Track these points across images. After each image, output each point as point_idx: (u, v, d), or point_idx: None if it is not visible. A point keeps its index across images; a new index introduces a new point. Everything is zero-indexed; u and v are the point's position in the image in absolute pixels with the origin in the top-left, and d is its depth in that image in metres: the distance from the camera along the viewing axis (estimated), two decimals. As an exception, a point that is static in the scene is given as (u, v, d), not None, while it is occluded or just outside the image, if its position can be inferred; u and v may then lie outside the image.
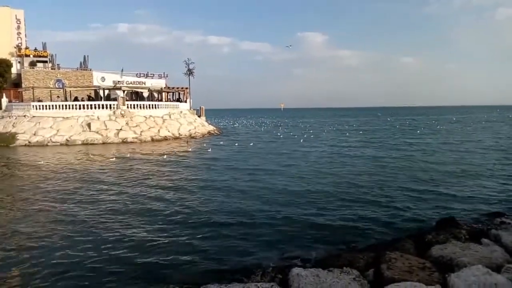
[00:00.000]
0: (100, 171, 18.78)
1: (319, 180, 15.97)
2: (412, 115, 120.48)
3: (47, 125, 32.13)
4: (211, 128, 45.33)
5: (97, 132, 32.28)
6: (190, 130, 39.01)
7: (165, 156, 23.64)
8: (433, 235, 8.11)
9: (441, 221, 9.60)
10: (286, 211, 11.35)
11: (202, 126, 42.92)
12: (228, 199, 12.98)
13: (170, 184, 15.51)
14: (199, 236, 9.33)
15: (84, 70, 46.93)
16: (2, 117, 35.79)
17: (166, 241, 9.02)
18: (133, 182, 15.92)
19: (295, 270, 6.27)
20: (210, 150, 27.24)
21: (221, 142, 33.15)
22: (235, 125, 66.04)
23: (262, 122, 77.74)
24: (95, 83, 44.94)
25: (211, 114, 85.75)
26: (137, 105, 37.01)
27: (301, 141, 34.92)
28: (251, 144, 31.98)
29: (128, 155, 24.24)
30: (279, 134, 43.64)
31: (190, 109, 46.59)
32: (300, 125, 63.81)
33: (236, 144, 31.84)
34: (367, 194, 13.37)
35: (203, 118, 47.78)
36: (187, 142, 33.52)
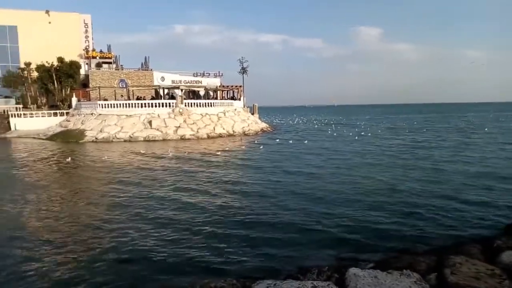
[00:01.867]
0: (159, 165, 19.73)
1: (376, 180, 15.50)
2: (475, 111, 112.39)
3: (112, 122, 34.33)
4: (264, 125, 45.71)
5: (157, 129, 33.93)
6: (243, 127, 39.64)
7: (219, 153, 24.27)
8: (503, 241, 7.60)
9: (511, 226, 8.95)
10: (341, 211, 11.20)
11: (255, 123, 43.41)
12: (282, 197, 13.06)
13: (224, 181, 15.88)
14: (254, 232, 9.52)
15: (145, 70, 49.44)
16: (73, 115, 38.86)
17: (222, 236, 9.32)
18: (188, 178, 16.51)
19: (352, 270, 6.20)
20: (262, 147, 27.47)
21: (277, 140, 33.27)
22: (287, 123, 65.91)
23: (314, 119, 76.80)
24: (155, 82, 47.15)
25: (264, 112, 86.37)
26: (194, 103, 38.31)
27: (356, 138, 34.09)
28: (306, 141, 31.83)
29: (185, 152, 25.21)
30: (332, 131, 42.88)
31: (244, 107, 47.33)
32: (354, 122, 62.20)
33: (291, 141, 31.87)
34: (427, 196, 12.78)
35: (256, 115, 48.28)
36: (241, 139, 34.11)
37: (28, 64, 45.28)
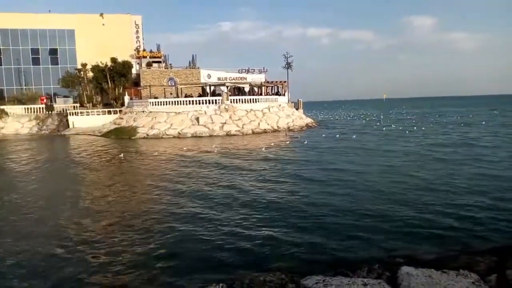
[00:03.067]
0: (206, 161, 20.22)
1: (430, 177, 14.85)
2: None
3: (162, 119, 35.66)
4: (309, 120, 45.29)
5: (204, 126, 34.78)
6: (288, 123, 39.54)
7: (264, 148, 24.43)
8: None
9: None
10: (393, 208, 10.89)
11: (300, 118, 43.13)
12: (329, 192, 12.93)
13: (270, 176, 15.98)
14: (303, 228, 9.52)
15: (192, 68, 50.75)
16: (125, 113, 40.82)
17: (270, 231, 9.40)
18: (235, 173, 16.77)
19: (405, 269, 6.04)
20: (306, 142, 27.41)
21: (323, 135, 32.92)
22: (333, 118, 64.80)
23: (362, 114, 74.78)
24: (202, 80, 48.25)
25: (309, 107, 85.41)
26: (239, 99, 38.79)
27: (406, 133, 32.84)
28: (354, 136, 31.20)
29: (230, 148, 25.65)
30: (381, 126, 41.57)
31: (288, 102, 47.13)
32: (405, 117, 59.83)
33: (337, 136, 31.44)
34: (486, 194, 12.07)
35: (301, 110, 47.92)
36: (286, 134, 34.07)
37: (84, 65, 48.06)
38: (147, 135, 34.31)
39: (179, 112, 36.20)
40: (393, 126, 41.61)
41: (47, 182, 17.03)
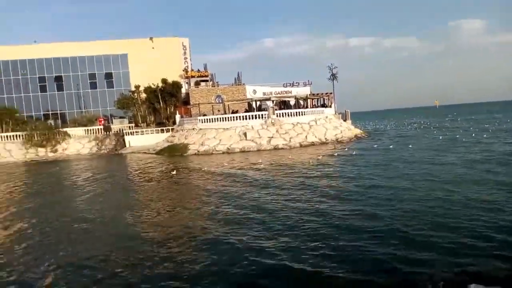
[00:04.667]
0: (254, 175, 20.45)
1: (497, 190, 14.01)
2: None
3: (211, 136, 36.69)
4: (357, 131, 44.43)
5: (252, 140, 35.30)
6: (336, 134, 39.06)
7: (310, 161, 24.28)
8: None
9: None
10: (457, 221, 10.41)
11: (348, 130, 42.45)
12: (387, 204, 12.60)
13: (321, 190, 15.77)
14: (362, 242, 9.36)
15: (238, 85, 51.91)
16: (177, 131, 42.46)
17: (329, 245, 9.34)
18: (285, 186, 16.81)
19: (474, 287, 5.78)
20: (354, 153, 26.86)
21: (374, 146, 32.12)
22: (383, 127, 62.96)
23: (413, 123, 71.95)
24: (248, 96, 49.16)
25: (357, 117, 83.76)
26: (285, 113, 39.01)
27: (463, 140, 31.18)
28: (410, 146, 30.12)
29: (278, 161, 25.77)
30: (435, 135, 39.76)
31: (335, 113, 46.63)
32: (462, 124, 56.77)
33: (391, 147, 30.46)
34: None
35: (349, 121, 47.14)
36: (334, 146, 33.66)
37: (137, 87, 50.86)
38: (198, 151, 35.40)
39: (227, 128, 37.06)
40: (450, 134, 39.61)
41: (107, 197, 18.09)
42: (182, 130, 41.12)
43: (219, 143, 35.73)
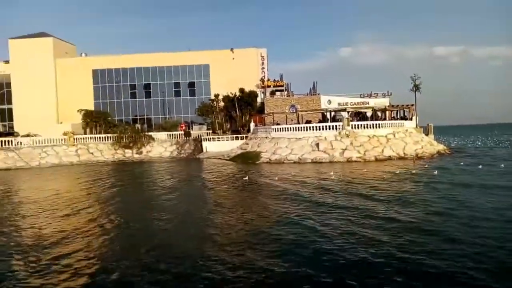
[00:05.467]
0: (324, 187, 20.02)
1: None
2: None
3: (283, 145, 36.89)
4: (440, 147, 41.24)
5: (324, 152, 34.73)
6: (416, 149, 36.68)
7: (386, 176, 23.10)
8: None
9: None
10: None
11: (430, 145, 39.63)
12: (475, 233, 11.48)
13: (401, 217, 13.83)
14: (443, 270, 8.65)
15: (313, 95, 51.59)
16: (250, 138, 43.47)
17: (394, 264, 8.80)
18: (354, 208, 15.90)
19: None
20: (436, 172, 24.46)
21: (461, 164, 29.28)
22: (471, 144, 57.62)
23: (505, 140, 64.57)
24: (322, 106, 48.60)
25: (440, 132, 77.74)
26: (360, 125, 37.77)
27: None
28: (502, 165, 26.87)
29: (351, 175, 24.96)
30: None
31: (416, 127, 43.85)
32: None
33: (480, 166, 26.73)
34: None
35: (431, 136, 44.01)
36: (413, 162, 31.63)
37: (216, 96, 53.29)
38: (270, 160, 35.79)
39: (299, 138, 36.96)
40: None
41: (186, 197, 19.12)
42: (255, 138, 41.96)
43: (291, 152, 35.75)
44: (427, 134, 43.52)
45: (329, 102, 49.46)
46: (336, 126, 37.41)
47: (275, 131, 39.41)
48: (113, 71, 63.82)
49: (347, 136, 36.13)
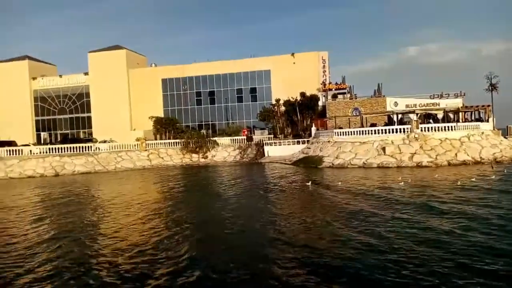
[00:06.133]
0: (394, 195, 19.24)
1: None
2: None
3: (347, 149, 36.09)
4: (523, 151, 37.56)
5: (391, 156, 33.38)
6: (494, 153, 33.82)
7: (458, 182, 21.58)
8: None
9: None
10: None
11: (510, 148, 36.29)
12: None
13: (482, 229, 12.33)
14: None
15: (377, 97, 49.90)
16: (312, 143, 43.13)
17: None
18: (434, 214, 15.25)
19: None
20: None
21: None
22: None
23: None
24: (388, 108, 46.79)
25: (523, 134, 70.68)
26: (431, 127, 35.76)
27: None
28: None
29: (422, 181, 23.71)
30: None
31: (494, 129, 40.46)
32: None
33: None
34: None
35: (511, 139, 40.31)
36: (492, 167, 29.17)
37: (277, 101, 53.73)
38: (332, 164, 35.21)
39: (364, 142, 35.92)
40: None
41: (248, 200, 19.55)
42: (317, 142, 41.56)
43: (355, 157, 34.86)
44: (506, 137, 40.00)
45: (396, 104, 47.51)
46: (404, 129, 35.81)
47: (338, 134, 38.70)
48: (180, 80, 67.17)
49: (416, 139, 34.41)
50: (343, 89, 55.68)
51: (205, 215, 16.82)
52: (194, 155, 50.72)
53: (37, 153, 45.87)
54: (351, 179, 26.14)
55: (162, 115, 63.62)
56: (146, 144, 50.48)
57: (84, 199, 23.65)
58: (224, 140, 53.18)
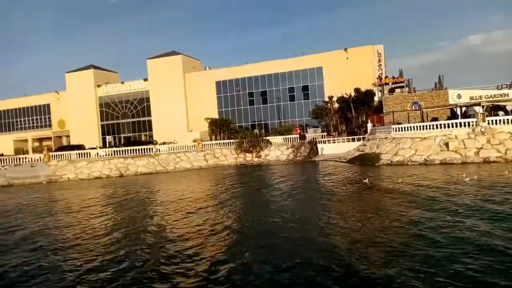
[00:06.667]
0: (460, 193, 18.10)
1: None
2: None
3: (406, 145, 34.53)
4: None
5: (455, 152, 31.43)
6: None
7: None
8: None
9: None
10: None
11: None
12: None
13: None
14: None
15: (439, 89, 47.17)
16: (368, 140, 41.83)
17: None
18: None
19: None
20: None
21: None
22: None
23: None
24: (451, 101, 44.07)
25: None
26: (499, 120, 33.14)
27: None
28: None
29: (491, 177, 22.07)
30: None
31: None
32: None
33: None
34: None
35: None
36: None
37: (330, 98, 52.79)
38: (391, 161, 33.90)
39: (424, 137, 34.15)
40: None
41: (303, 199, 19.47)
42: (373, 139, 40.24)
43: (415, 153, 33.25)
44: None
45: (459, 96, 44.60)
46: (468, 122, 33.53)
47: (396, 130, 37.16)
48: (233, 81, 68.48)
49: (483, 133, 32.08)
50: (400, 82, 53.33)
51: (262, 210, 17.02)
52: (247, 154, 51.42)
53: (103, 156, 49.14)
54: (411, 176, 24.96)
55: (217, 116, 65.29)
56: (202, 145, 52.09)
57: (159, 197, 25.13)
58: (277, 139, 53.33)
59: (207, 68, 74.06)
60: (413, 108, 45.88)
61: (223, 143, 53.77)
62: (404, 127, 36.90)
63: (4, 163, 46.36)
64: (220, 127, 60.03)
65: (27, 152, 70.23)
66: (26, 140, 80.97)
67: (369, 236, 11.89)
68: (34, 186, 40.03)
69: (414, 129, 35.83)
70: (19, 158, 48.68)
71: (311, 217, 15.23)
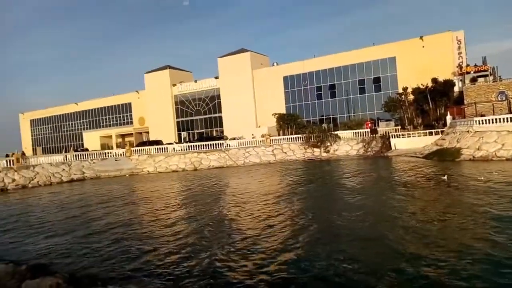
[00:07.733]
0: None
1: None
2: None
3: (491, 139, 31.75)
4: None
5: (550, 146, 28.25)
6: None
7: None
8: None
9: None
10: None
11: None
12: None
13: None
14: None
15: (530, 77, 42.52)
16: (447, 133, 39.15)
17: None
18: None
19: None
20: None
21: None
22: None
23: None
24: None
25: None
26: None
27: None
28: None
29: None
30: None
31: None
32: None
33: None
34: None
35: None
36: None
37: (405, 89, 50.00)
38: (473, 157, 31.45)
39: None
40: None
41: (377, 196, 18.97)
42: (453, 132, 37.54)
43: (502, 147, 30.45)
44: None
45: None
46: None
47: (479, 123, 34.28)
48: (301, 76, 68.13)
49: None
50: (484, 71, 48.94)
51: (332, 206, 17.00)
52: (315, 149, 51.03)
53: (179, 150, 52.21)
54: (497, 173, 22.89)
55: (284, 112, 65.59)
56: (270, 140, 52.80)
57: (235, 189, 26.33)
58: (346, 134, 52.15)
59: (275, 63, 74.54)
60: (499, 99, 41.86)
61: (291, 138, 53.95)
62: (489, 120, 33.89)
63: (92, 157, 51.41)
64: (287, 122, 60.28)
65: (111, 148, 77.10)
66: (110, 136, 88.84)
67: (450, 242, 11.34)
68: (119, 178, 43.88)
69: (500, 121, 32.76)
70: (105, 153, 53.72)
71: (388, 217, 14.87)
